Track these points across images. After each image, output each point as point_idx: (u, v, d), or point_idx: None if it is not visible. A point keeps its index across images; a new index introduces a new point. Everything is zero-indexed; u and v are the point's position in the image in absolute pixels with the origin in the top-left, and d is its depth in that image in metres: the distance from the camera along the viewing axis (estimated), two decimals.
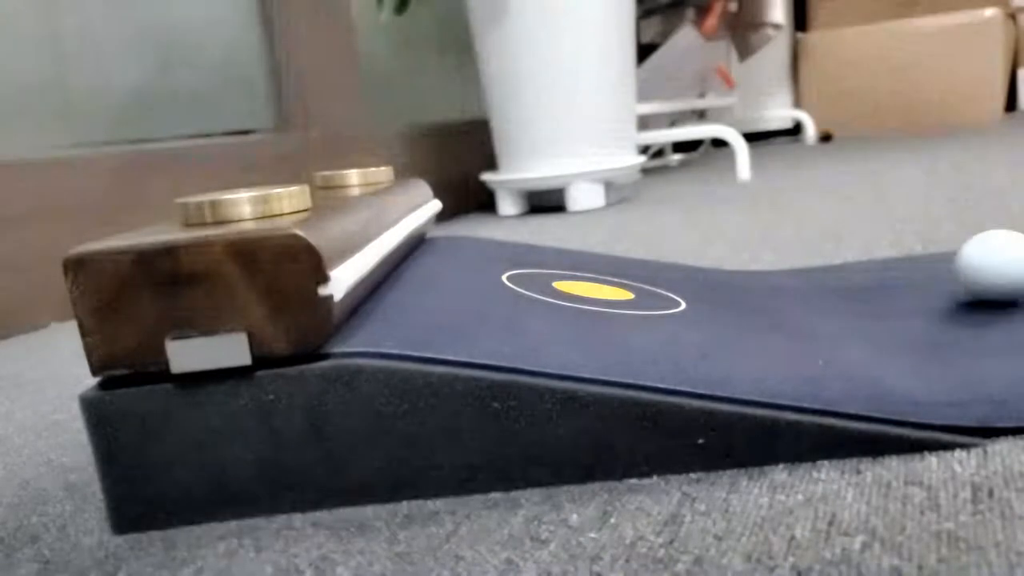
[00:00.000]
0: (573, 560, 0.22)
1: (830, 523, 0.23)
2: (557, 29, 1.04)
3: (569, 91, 1.07)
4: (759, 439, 0.26)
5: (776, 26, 1.66)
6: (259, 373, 0.26)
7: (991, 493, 0.23)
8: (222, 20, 1.00)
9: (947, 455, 0.26)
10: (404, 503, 0.27)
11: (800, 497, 0.24)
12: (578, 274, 0.43)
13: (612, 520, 0.24)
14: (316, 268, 0.25)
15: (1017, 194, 0.78)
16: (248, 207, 0.28)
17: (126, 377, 0.26)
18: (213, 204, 0.27)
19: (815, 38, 2.03)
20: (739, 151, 1.27)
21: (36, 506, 0.31)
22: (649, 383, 0.26)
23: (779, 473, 0.26)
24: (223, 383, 0.26)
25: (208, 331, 0.25)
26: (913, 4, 2.01)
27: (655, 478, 0.27)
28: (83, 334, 0.25)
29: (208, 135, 0.97)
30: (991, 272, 0.36)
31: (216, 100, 0.99)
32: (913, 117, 1.95)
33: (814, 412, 0.26)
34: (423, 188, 0.50)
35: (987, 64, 1.87)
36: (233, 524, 0.27)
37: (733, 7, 1.66)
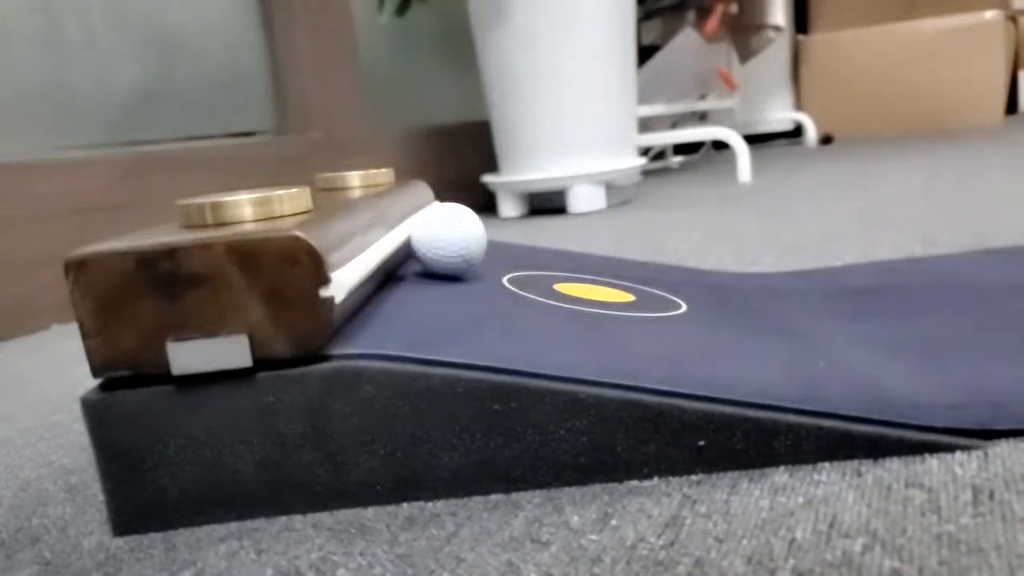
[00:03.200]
0: (574, 562, 0.22)
1: (831, 525, 0.23)
2: (558, 31, 1.04)
3: (570, 93, 1.07)
4: (760, 441, 0.26)
5: (777, 28, 1.66)
6: (260, 375, 0.26)
7: (992, 495, 0.23)
8: (223, 22, 1.00)
9: (948, 457, 0.26)
10: (405, 504, 0.27)
11: (801, 499, 0.24)
12: (579, 276, 0.43)
13: (613, 522, 0.24)
14: (317, 270, 0.25)
15: (1018, 196, 0.78)
16: (249, 209, 0.28)
17: (127, 379, 0.26)
18: (214, 206, 0.27)
19: (816, 40, 2.03)
20: (740, 153, 1.27)
21: (37, 507, 0.31)
22: (650, 385, 0.26)
23: (780, 475, 0.26)
24: (224, 385, 0.26)
25: (209, 333, 0.25)
26: (914, 6, 2.01)
27: (656, 480, 0.27)
28: (84, 335, 0.25)
29: (209, 137, 0.97)
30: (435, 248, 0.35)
31: (217, 102, 0.99)
32: (914, 119, 1.95)
33: (815, 414, 0.26)
34: (424, 190, 0.50)
35: (988, 66, 1.87)
36: (234, 526, 0.27)
37: (734, 9, 1.66)
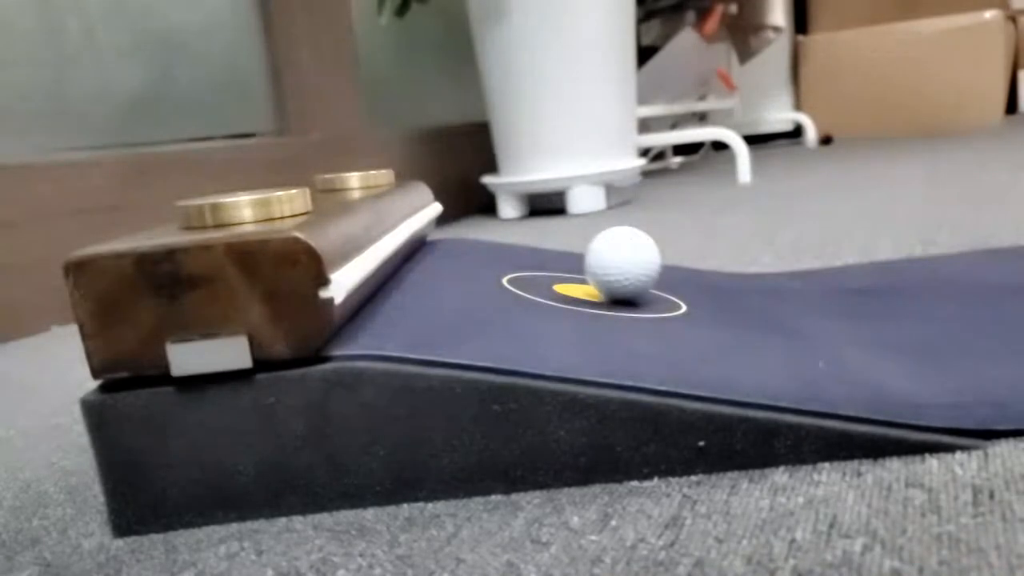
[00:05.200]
0: (574, 563, 0.22)
1: (831, 525, 0.23)
2: (557, 32, 1.04)
3: (570, 94, 1.07)
4: (760, 441, 0.26)
5: (776, 29, 1.66)
6: (260, 376, 0.26)
7: (992, 495, 0.23)
8: (223, 24, 1.00)
9: (948, 457, 0.26)
10: (405, 505, 0.27)
11: (801, 499, 0.24)
12: (579, 277, 0.43)
13: (613, 522, 0.24)
14: (316, 271, 0.25)
15: (1017, 196, 0.78)
16: (249, 210, 0.28)
17: (127, 380, 0.26)
18: (214, 207, 0.27)
19: (815, 40, 2.03)
20: (740, 154, 1.27)
21: (37, 509, 0.31)
22: (650, 385, 0.26)
23: (780, 475, 0.26)
24: (224, 386, 0.26)
25: (209, 334, 0.25)
26: (913, 6, 2.01)
27: (656, 480, 0.27)
28: (84, 337, 0.25)
29: (209, 139, 0.97)
30: (613, 272, 0.35)
31: (217, 104, 0.99)
32: (913, 119, 1.95)
33: (815, 414, 0.26)
34: (423, 191, 0.50)
35: (987, 66, 1.87)
36: (234, 527, 0.27)
37: (733, 10, 1.66)
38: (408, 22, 1.30)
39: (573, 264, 0.47)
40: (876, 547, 0.21)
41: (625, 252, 0.35)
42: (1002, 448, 0.26)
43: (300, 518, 0.27)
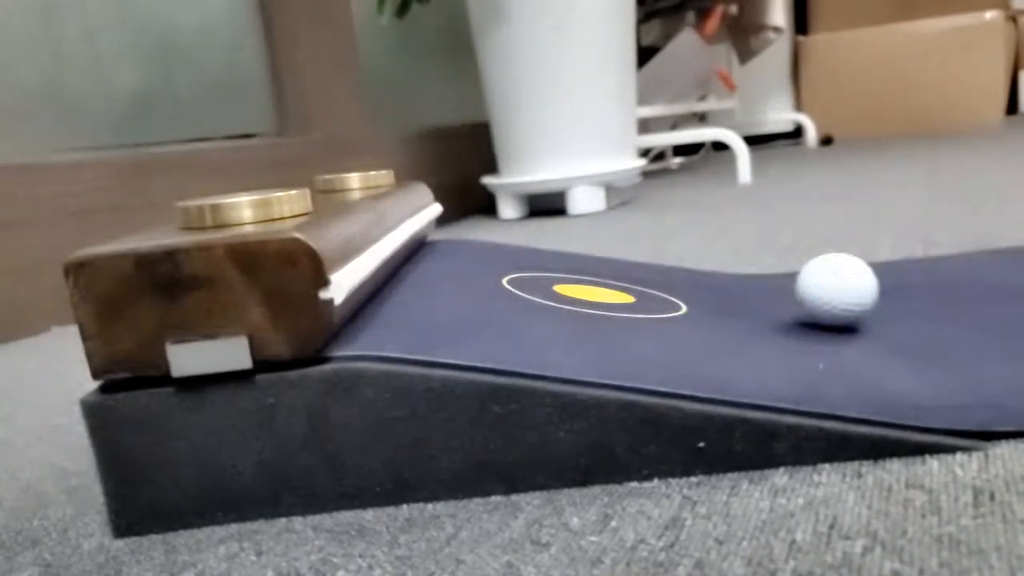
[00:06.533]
0: (574, 564, 0.22)
1: (831, 527, 0.23)
2: (557, 32, 1.04)
3: (570, 94, 1.07)
4: (760, 442, 0.26)
5: (777, 29, 1.66)
6: (260, 377, 0.26)
7: (992, 497, 0.23)
8: (223, 24, 1.00)
9: (948, 458, 0.26)
10: (404, 506, 0.27)
11: (801, 500, 0.24)
12: (579, 277, 0.43)
13: (613, 524, 0.24)
14: (316, 272, 0.25)
15: (1017, 196, 0.78)
16: (249, 211, 0.28)
17: (127, 381, 0.26)
18: (214, 208, 0.27)
19: (816, 41, 2.03)
20: (740, 154, 1.27)
21: (37, 510, 0.31)
22: (650, 386, 0.26)
23: (780, 476, 0.26)
24: (224, 387, 0.26)
25: (209, 335, 0.25)
26: (913, 6, 2.01)
27: (656, 481, 0.27)
28: (84, 338, 0.25)
29: (209, 139, 0.97)
30: (830, 297, 0.35)
31: (217, 104, 0.99)
32: (914, 120, 1.95)
33: (815, 415, 0.26)
34: (424, 191, 0.50)
35: (988, 66, 1.87)
36: (234, 527, 0.27)
37: (733, 10, 1.66)
38: (408, 22, 1.30)
39: (573, 265, 0.47)
40: (876, 548, 0.21)
41: (855, 281, 0.35)
42: (1003, 449, 0.26)
43: (300, 519, 0.27)
